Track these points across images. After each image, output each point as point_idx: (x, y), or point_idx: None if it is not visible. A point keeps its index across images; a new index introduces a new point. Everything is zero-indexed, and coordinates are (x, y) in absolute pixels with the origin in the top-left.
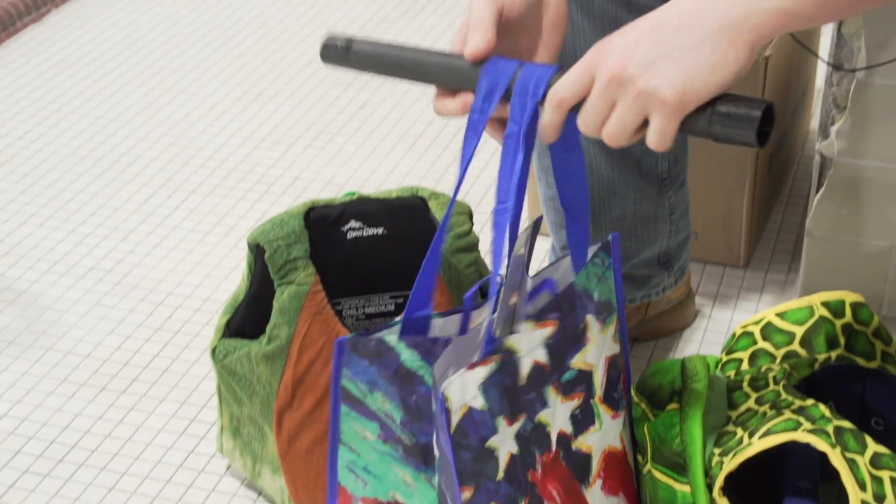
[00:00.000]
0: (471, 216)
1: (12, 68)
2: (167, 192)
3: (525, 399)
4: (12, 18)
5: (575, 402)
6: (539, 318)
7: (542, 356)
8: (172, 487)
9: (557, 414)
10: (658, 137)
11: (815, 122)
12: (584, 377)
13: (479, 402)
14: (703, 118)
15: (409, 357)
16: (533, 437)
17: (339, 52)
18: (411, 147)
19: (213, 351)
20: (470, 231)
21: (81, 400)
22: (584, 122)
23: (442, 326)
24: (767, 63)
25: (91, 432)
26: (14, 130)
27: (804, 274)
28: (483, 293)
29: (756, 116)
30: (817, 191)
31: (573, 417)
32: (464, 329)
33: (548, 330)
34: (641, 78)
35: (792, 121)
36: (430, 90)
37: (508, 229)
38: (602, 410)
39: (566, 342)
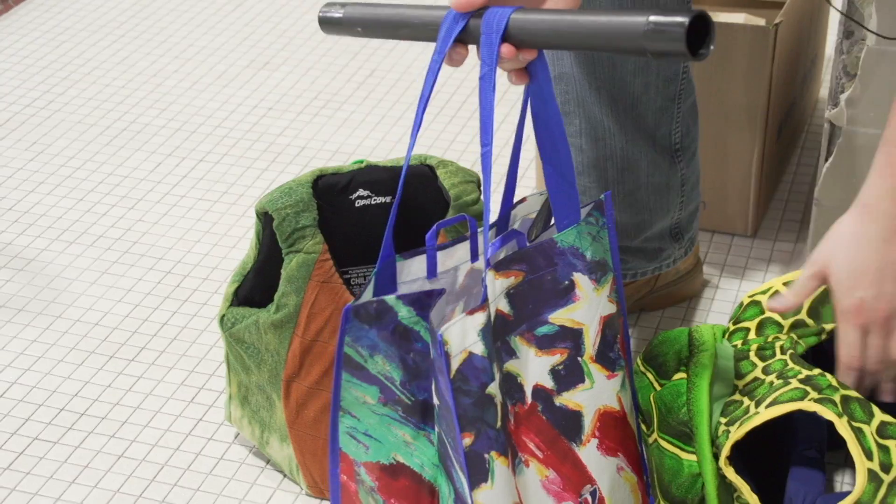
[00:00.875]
0: (479, 185)
1: (21, 34)
2: (175, 160)
3: (494, 348)
4: None
5: (556, 358)
6: (499, 267)
7: (503, 305)
8: (181, 455)
9: (530, 366)
10: None
11: (824, 91)
12: (570, 334)
13: (479, 348)
14: (637, 34)
15: (406, 314)
16: (504, 387)
17: (334, 20)
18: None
19: (222, 319)
20: (478, 199)
21: (90, 368)
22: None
23: (408, 268)
24: (777, 30)
25: (100, 400)
26: (23, 98)
27: (812, 243)
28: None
29: (684, 23)
30: (826, 160)
31: (554, 372)
32: (432, 270)
33: (510, 280)
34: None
35: (801, 89)
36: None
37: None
38: (594, 369)
39: (539, 296)
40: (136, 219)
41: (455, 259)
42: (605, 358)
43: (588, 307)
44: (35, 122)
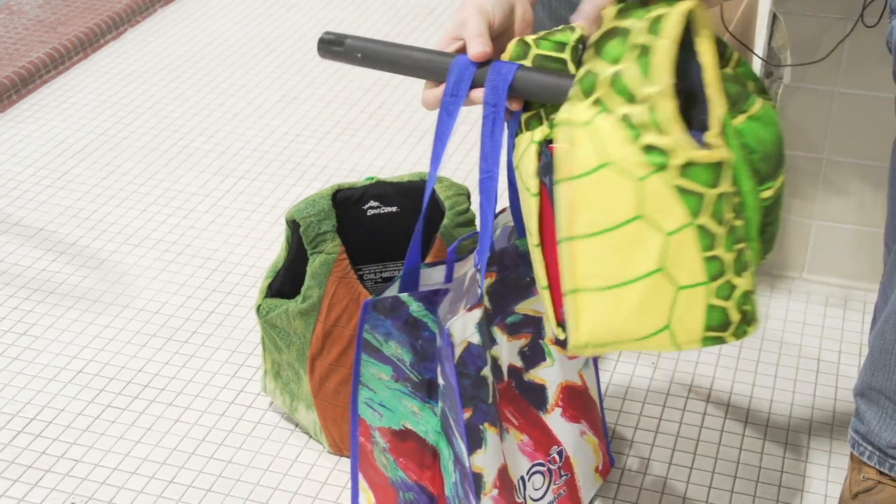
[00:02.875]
0: (469, 196)
1: (96, 76)
2: (220, 178)
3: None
4: (96, 36)
5: (522, 341)
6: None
7: (486, 301)
8: (225, 420)
9: (504, 350)
10: None
11: None
12: (532, 321)
13: (476, 339)
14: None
15: (416, 308)
16: (491, 369)
17: (334, 47)
18: (420, 140)
19: (258, 308)
20: (468, 209)
21: (151, 349)
22: None
23: (430, 275)
24: None
25: (160, 375)
26: (97, 128)
27: None
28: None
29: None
30: None
31: (522, 354)
32: (449, 277)
33: (490, 280)
34: None
35: None
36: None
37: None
38: (554, 350)
39: (508, 291)
40: (188, 226)
41: (467, 267)
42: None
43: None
44: (107, 147)
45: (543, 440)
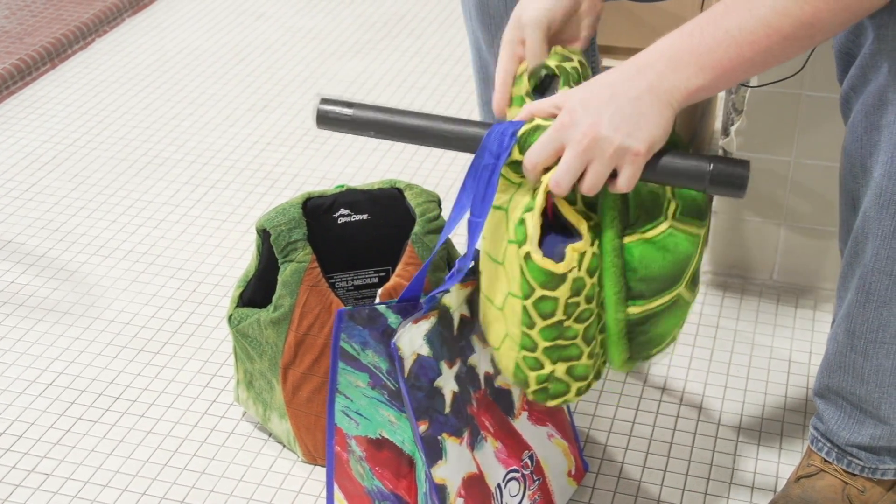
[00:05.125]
0: (439, 203)
1: (64, 87)
2: (190, 188)
3: (459, 346)
4: (64, 46)
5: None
6: (464, 279)
7: (466, 310)
8: (198, 430)
9: (481, 358)
10: (627, 183)
11: (718, 123)
12: None
13: (425, 350)
14: (701, 180)
15: (394, 320)
16: (468, 378)
17: (340, 119)
18: (390, 147)
19: (230, 318)
20: (438, 216)
21: (122, 360)
22: (559, 183)
23: None
24: None
25: (131, 386)
26: (66, 139)
27: (711, 246)
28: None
29: (746, 174)
30: None
31: (493, 360)
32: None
33: (469, 289)
34: (616, 137)
35: (700, 123)
36: (409, 99)
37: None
38: None
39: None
40: (158, 236)
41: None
42: None
43: None
44: (76, 158)
45: (515, 446)
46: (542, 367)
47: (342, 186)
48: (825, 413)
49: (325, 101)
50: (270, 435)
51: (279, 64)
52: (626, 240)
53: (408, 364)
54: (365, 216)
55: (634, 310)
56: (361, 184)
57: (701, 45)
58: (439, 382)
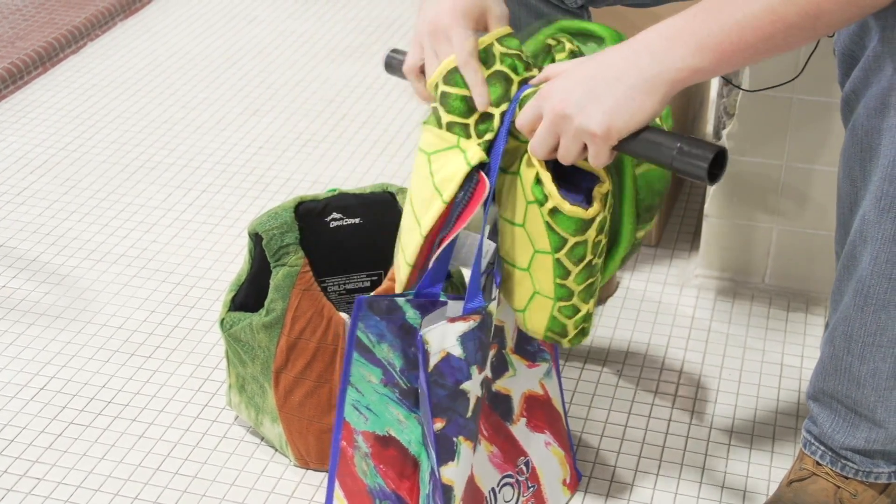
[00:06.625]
0: None
1: (56, 91)
2: (183, 192)
3: (487, 353)
4: (56, 50)
5: (493, 352)
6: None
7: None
8: (190, 434)
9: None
10: (595, 159)
11: (709, 127)
12: (498, 331)
13: (457, 351)
14: (668, 154)
15: (412, 315)
16: (484, 385)
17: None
18: (382, 151)
19: (222, 322)
20: None
21: (114, 364)
22: (534, 151)
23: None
24: None
25: (123, 390)
26: (57, 143)
27: (703, 249)
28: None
29: (708, 157)
30: None
31: (492, 364)
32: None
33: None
34: (577, 118)
35: (692, 126)
36: (401, 103)
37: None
38: (514, 360)
39: None
40: (150, 240)
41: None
42: (524, 350)
43: (503, 307)
44: (68, 162)
45: (511, 451)
46: (578, 311)
47: (334, 190)
48: (819, 416)
49: (394, 51)
50: (262, 439)
51: (271, 68)
52: (637, 171)
53: (433, 360)
54: (357, 220)
55: (640, 234)
56: (354, 188)
57: (703, 26)
58: (466, 386)
